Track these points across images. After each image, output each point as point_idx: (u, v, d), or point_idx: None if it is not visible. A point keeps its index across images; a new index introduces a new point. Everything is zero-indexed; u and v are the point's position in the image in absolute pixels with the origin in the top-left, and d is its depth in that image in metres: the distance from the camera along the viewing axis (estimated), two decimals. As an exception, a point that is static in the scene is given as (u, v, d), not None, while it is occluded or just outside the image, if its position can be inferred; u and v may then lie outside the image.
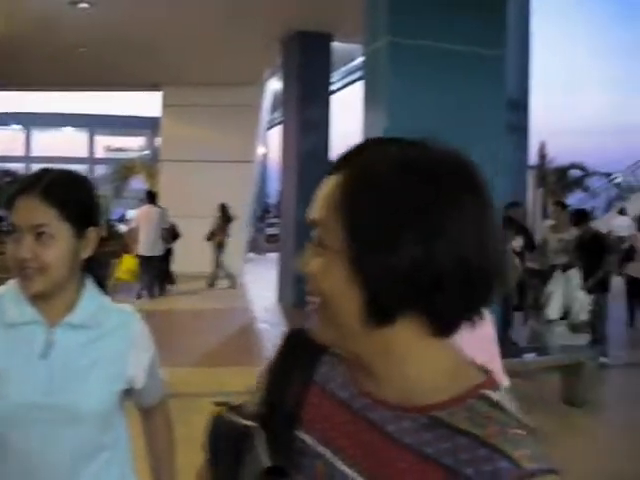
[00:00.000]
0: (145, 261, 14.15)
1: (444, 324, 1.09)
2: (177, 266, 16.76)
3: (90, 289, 1.99)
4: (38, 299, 1.90)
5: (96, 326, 1.94)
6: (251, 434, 1.24)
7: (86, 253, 1.92)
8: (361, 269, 1.06)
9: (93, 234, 1.92)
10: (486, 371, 1.15)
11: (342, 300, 1.08)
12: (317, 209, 1.17)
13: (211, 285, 17.01)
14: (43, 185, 1.85)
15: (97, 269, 2.06)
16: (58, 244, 1.83)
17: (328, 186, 1.17)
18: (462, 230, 1.05)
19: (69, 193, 1.88)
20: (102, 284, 2.06)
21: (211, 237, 17.15)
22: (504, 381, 2.24)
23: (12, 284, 1.94)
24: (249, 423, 1.27)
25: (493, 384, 1.12)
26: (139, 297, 13.95)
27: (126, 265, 13.86)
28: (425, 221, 1.04)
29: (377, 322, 1.08)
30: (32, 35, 14.36)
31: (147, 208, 14.96)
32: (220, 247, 17.09)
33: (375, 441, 1.13)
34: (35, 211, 1.82)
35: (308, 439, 1.21)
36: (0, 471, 1.91)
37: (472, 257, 1.05)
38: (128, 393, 2.04)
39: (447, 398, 1.09)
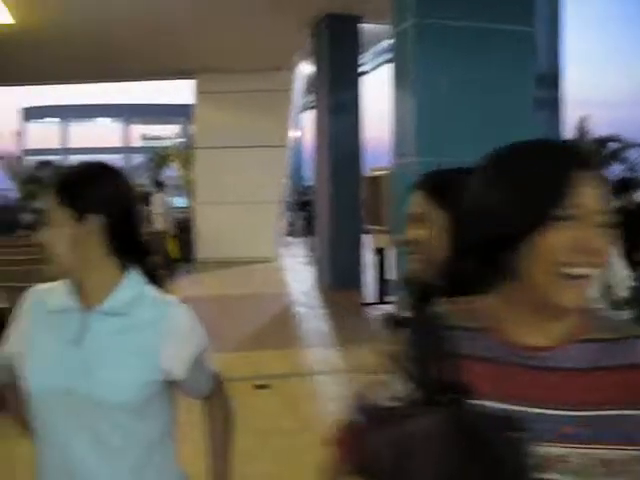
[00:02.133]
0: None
1: None
2: (213, 252, 16.90)
3: (132, 277, 2.03)
4: (75, 287, 1.99)
5: (130, 315, 1.98)
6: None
7: (94, 239, 1.96)
8: None
9: (97, 221, 1.95)
10: None
11: None
12: None
13: None
14: (57, 178, 2.01)
15: (144, 257, 2.10)
16: (58, 229, 1.94)
17: None
18: None
19: (69, 181, 1.99)
20: (152, 274, 2.09)
21: None
22: None
23: None
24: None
25: None
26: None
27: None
28: None
29: None
30: (66, 28, 14.46)
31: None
32: None
33: (552, 378, 1.34)
34: (48, 200, 1.97)
35: (489, 404, 1.33)
36: (42, 454, 1.99)
37: None
38: (171, 384, 2.06)
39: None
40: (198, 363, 2.08)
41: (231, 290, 14.60)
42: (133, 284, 2.03)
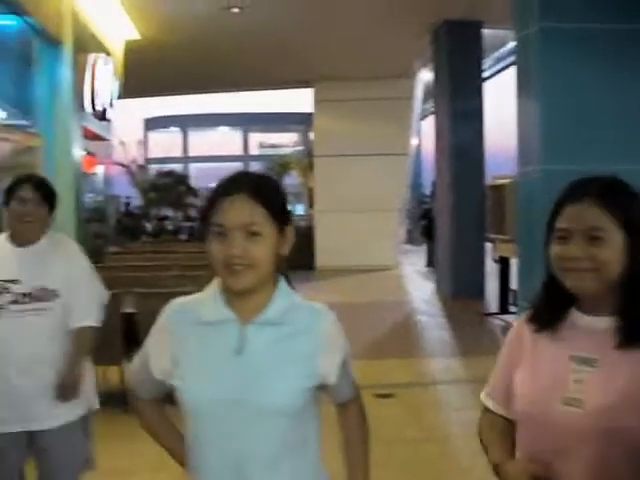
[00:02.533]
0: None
1: None
2: (332, 260, 16.95)
3: (282, 287, 2.07)
4: (235, 298, 2.01)
5: (288, 324, 2.01)
6: None
7: (285, 251, 2.03)
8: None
9: (290, 232, 2.04)
10: None
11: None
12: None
13: None
14: (252, 187, 1.97)
15: (287, 267, 2.14)
16: (266, 241, 1.95)
17: None
18: None
19: (272, 193, 2.02)
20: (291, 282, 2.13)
21: None
22: None
23: (212, 286, 2.07)
24: None
25: None
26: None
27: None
28: None
29: None
30: (187, 41, 14.85)
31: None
32: None
33: None
34: (246, 211, 1.94)
35: None
36: (205, 466, 2.03)
37: None
38: (321, 388, 2.09)
39: None
40: (344, 367, 2.12)
41: (351, 298, 14.57)
42: (285, 293, 2.06)
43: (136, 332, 6.89)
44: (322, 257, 19.14)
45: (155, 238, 20.48)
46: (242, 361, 1.97)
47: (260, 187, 1.98)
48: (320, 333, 2.05)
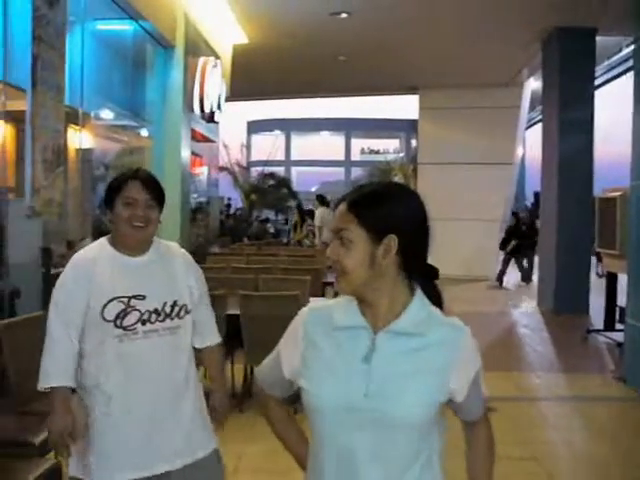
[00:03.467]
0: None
1: None
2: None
3: (419, 298, 2.03)
4: (363, 305, 2.02)
5: (420, 336, 1.98)
6: None
7: (386, 260, 1.96)
8: None
9: (391, 242, 1.95)
10: None
11: None
12: None
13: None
14: (352, 195, 2.01)
15: (429, 279, 2.09)
16: (356, 248, 1.95)
17: None
18: None
19: (370, 204, 1.98)
20: (433, 294, 2.08)
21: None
22: None
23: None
24: None
25: None
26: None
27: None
28: None
29: None
30: (294, 45, 14.96)
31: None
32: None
33: None
34: (341, 217, 1.99)
35: None
36: (320, 468, 2.02)
37: None
38: (448, 403, 2.05)
39: None
40: (475, 384, 2.07)
41: (451, 308, 14.42)
42: (421, 305, 2.03)
43: (239, 334, 6.97)
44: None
45: (257, 240, 20.68)
46: (369, 369, 1.95)
47: (359, 197, 1.99)
48: (457, 349, 2.01)
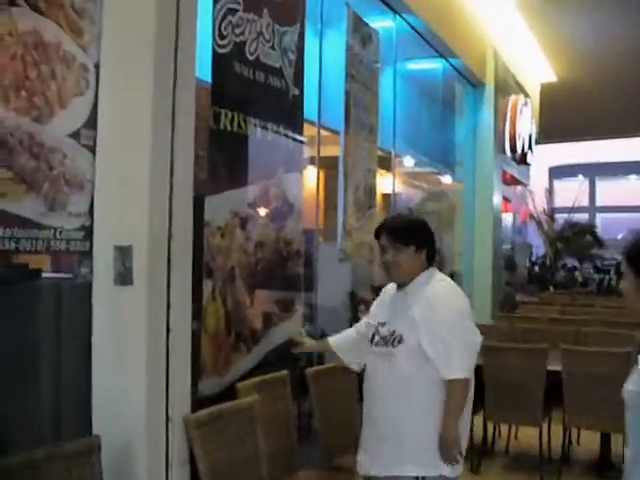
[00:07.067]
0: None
1: None
2: None
3: None
4: None
5: None
6: None
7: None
8: None
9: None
10: None
11: None
12: None
13: None
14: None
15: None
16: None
17: None
18: None
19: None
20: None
21: None
22: None
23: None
24: None
25: None
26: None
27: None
28: None
29: None
30: (607, 81, 14.24)
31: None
32: None
33: None
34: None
35: None
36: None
37: None
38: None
39: None
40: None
41: None
42: None
43: (560, 392, 6.31)
44: None
45: (564, 289, 19.89)
46: None
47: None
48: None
